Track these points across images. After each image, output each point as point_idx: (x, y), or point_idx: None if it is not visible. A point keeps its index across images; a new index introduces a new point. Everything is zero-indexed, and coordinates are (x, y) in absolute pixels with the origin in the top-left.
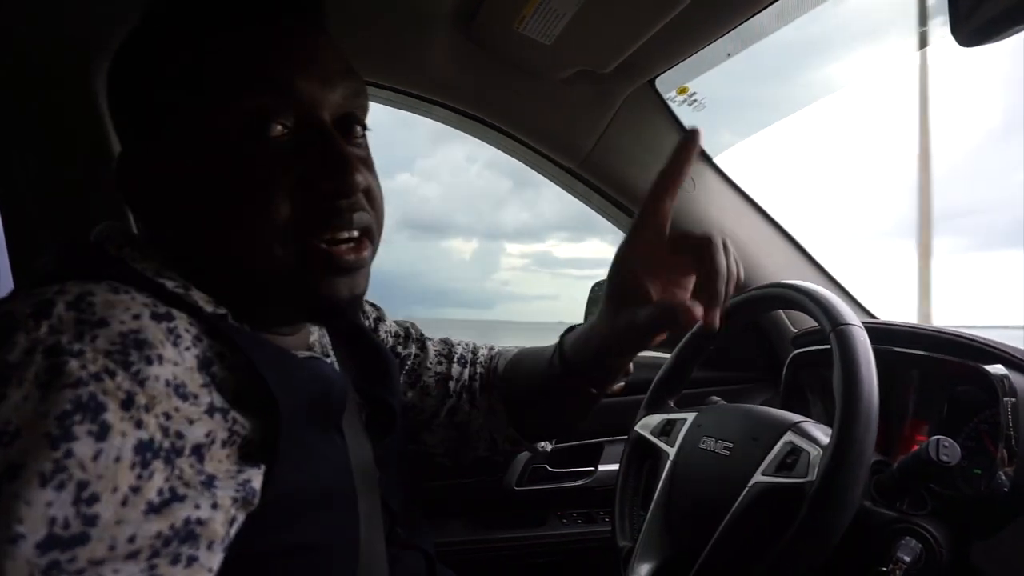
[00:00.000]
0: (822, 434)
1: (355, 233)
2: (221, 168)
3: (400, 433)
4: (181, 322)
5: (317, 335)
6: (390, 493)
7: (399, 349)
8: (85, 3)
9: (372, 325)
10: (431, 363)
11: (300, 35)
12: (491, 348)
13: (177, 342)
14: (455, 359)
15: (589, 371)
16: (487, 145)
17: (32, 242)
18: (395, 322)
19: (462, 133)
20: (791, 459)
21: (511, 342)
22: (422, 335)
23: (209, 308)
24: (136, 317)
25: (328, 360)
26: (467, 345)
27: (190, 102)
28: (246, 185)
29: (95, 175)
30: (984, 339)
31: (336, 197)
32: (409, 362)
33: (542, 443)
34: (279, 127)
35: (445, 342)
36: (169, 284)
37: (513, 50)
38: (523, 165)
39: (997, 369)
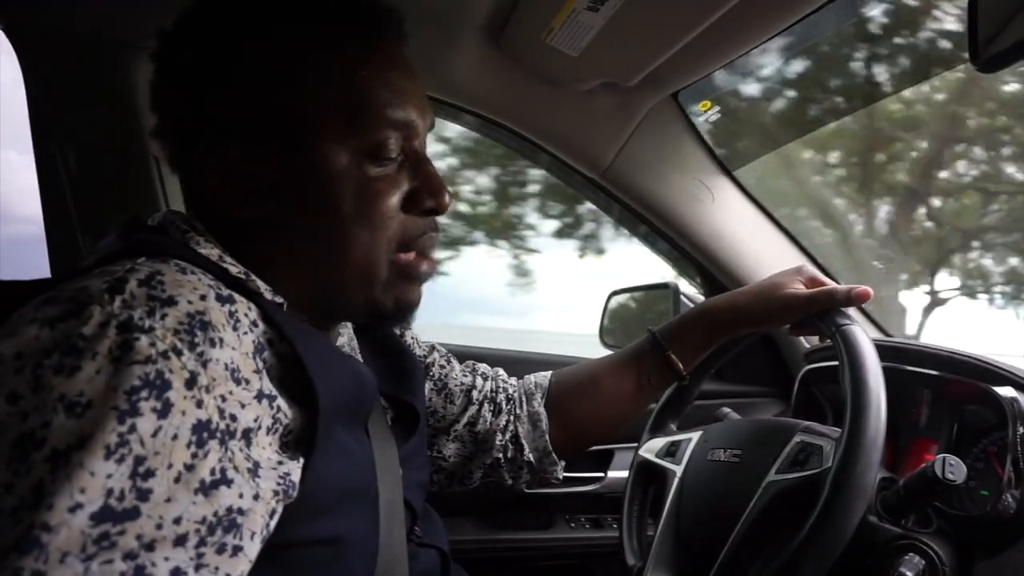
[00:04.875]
0: (832, 432)
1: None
2: (341, 187)
3: (424, 434)
4: (241, 306)
5: (346, 337)
6: (411, 492)
7: (425, 358)
8: None
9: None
10: (457, 373)
11: (406, 68)
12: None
13: (236, 326)
14: (478, 373)
15: (679, 348)
16: None
17: (70, 231)
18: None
19: None
20: (803, 456)
21: (547, 351)
22: (447, 352)
23: (268, 296)
24: (203, 298)
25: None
26: (486, 366)
27: (313, 123)
28: (366, 204)
29: (130, 167)
30: (995, 361)
31: (435, 214)
32: (434, 369)
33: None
34: (394, 154)
35: (467, 363)
36: (232, 270)
37: (540, 61)
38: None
39: (1007, 391)
